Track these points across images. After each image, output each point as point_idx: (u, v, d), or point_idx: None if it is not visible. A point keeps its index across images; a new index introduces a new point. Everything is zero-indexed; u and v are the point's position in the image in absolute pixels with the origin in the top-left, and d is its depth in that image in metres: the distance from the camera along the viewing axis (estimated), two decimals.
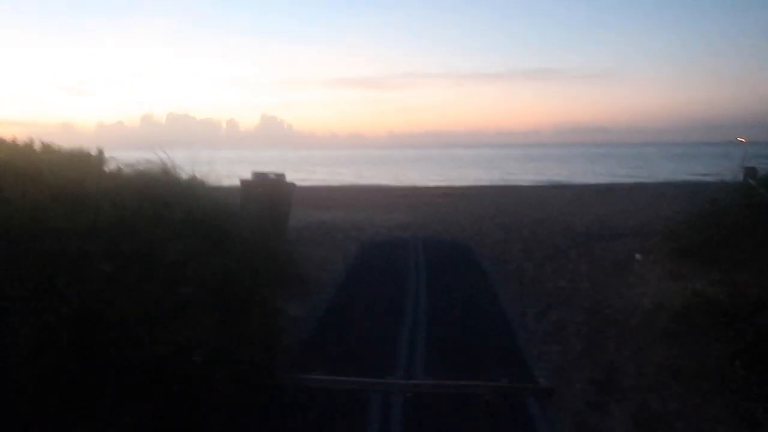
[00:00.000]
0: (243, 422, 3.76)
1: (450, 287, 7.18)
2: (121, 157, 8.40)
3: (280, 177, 11.78)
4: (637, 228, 12.97)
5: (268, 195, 11.41)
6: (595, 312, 6.40)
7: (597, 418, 4.17)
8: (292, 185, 12.08)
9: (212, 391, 3.36)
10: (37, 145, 6.98)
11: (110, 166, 7.44)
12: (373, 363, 4.89)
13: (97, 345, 2.99)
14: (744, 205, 7.61)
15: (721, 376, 4.58)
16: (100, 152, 7.44)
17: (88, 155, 7.31)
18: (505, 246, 10.63)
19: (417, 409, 4.10)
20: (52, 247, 3.27)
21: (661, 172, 46.08)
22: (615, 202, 19.65)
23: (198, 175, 9.40)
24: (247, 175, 12.04)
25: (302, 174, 47.06)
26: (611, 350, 5.35)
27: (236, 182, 11.68)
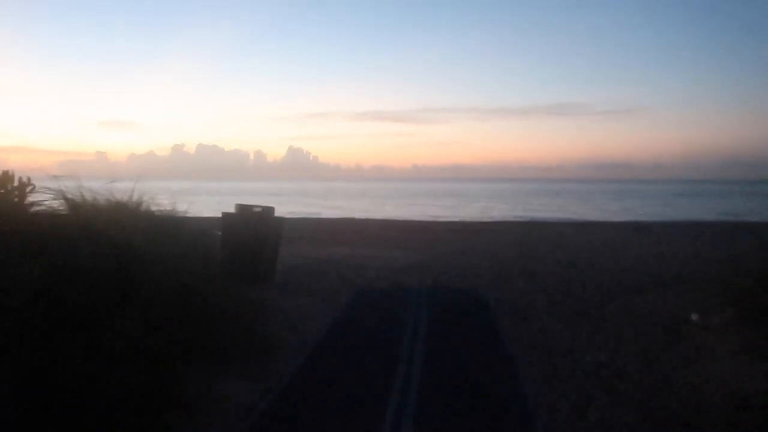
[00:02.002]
0: None
1: (454, 361, 5.47)
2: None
3: (268, 210, 10.25)
4: (681, 275, 11.14)
5: (252, 231, 9.89)
6: (654, 409, 4.61)
7: None
8: (280, 220, 10.54)
9: None
10: None
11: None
12: None
13: None
14: None
15: None
16: (14, 178, 5.94)
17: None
18: (529, 297, 8.87)
19: None
20: None
21: (690, 210, 43.93)
22: (648, 243, 17.76)
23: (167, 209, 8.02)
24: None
25: (316, 208, 45.80)
26: None
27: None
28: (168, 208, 9.02)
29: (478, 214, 37.77)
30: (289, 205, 47.62)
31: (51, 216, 4.89)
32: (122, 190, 7.78)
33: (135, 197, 7.99)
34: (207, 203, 38.45)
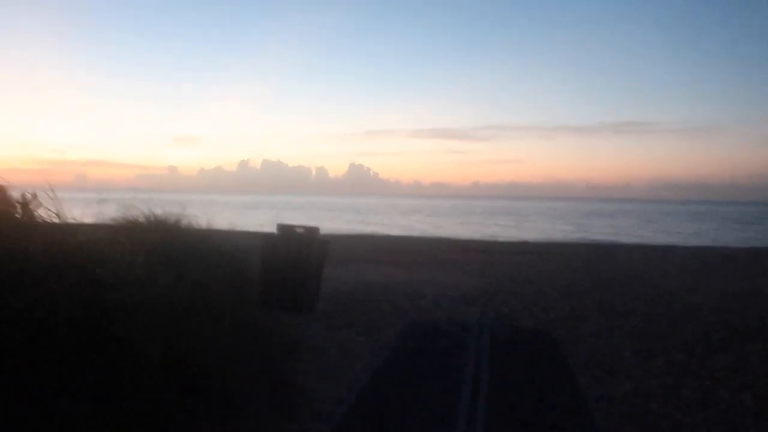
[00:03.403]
0: None
1: None
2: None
3: (311, 231, 9.22)
4: None
5: (293, 254, 8.88)
6: None
7: None
8: (325, 242, 9.48)
9: None
10: None
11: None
12: None
13: None
14: None
15: None
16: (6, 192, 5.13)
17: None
18: (612, 342, 7.47)
19: None
20: None
21: None
22: (742, 274, 15.79)
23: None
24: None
25: (373, 225, 44.99)
26: None
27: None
28: (209, 224, 8.20)
29: (541, 235, 35.91)
30: (346, 221, 47.02)
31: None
32: (176, 204, 7.09)
33: (175, 213, 7.22)
34: (263, 217, 38.09)
